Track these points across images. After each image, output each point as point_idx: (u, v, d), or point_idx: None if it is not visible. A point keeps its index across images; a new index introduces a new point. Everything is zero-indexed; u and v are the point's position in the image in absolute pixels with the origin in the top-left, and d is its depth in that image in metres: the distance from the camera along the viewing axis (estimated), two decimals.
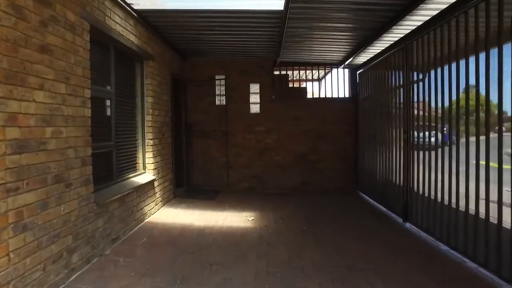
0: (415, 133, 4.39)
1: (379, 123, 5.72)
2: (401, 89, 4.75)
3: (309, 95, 7.04)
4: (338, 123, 6.91)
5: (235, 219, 4.80)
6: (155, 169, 4.96)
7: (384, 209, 5.32)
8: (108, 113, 3.80)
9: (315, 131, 6.92)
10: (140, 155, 4.77)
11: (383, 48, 5.54)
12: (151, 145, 4.85)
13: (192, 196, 6.23)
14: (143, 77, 4.78)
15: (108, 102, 3.79)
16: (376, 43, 5.29)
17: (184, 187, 6.92)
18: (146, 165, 4.84)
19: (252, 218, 4.83)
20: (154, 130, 4.95)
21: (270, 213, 5.11)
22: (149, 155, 4.84)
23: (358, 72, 6.86)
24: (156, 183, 4.99)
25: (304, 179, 6.93)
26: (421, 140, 4.29)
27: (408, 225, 4.43)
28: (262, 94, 6.95)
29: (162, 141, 5.31)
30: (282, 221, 4.68)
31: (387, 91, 5.31)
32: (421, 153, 4.20)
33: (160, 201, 5.22)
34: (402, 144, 4.65)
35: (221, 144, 6.89)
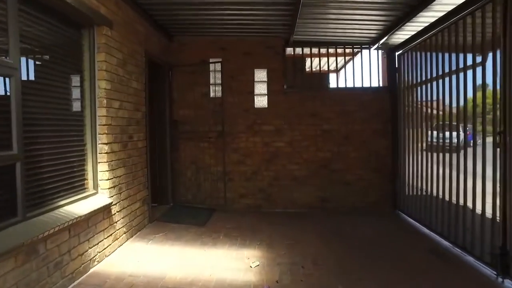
0: None
1: (438, 119, 4.06)
2: (482, 70, 3.11)
3: (332, 85, 5.43)
4: (369, 120, 5.28)
5: (231, 264, 3.18)
6: (113, 187, 3.38)
7: (446, 243, 3.67)
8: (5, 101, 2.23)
9: (339, 131, 5.30)
10: (88, 167, 3.20)
11: (438, 17, 3.89)
12: (107, 153, 3.27)
13: (176, 219, 4.64)
14: (92, 51, 3.21)
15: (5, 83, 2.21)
16: (425, 12, 3.68)
17: (168, 204, 5.34)
18: (99, 182, 3.27)
19: (257, 263, 3.21)
20: (112, 131, 3.37)
21: (283, 251, 3.49)
22: (103, 167, 3.26)
23: (397, 54, 5.21)
24: (115, 208, 3.41)
25: (325, 194, 5.31)
26: None
27: (508, 283, 2.78)
28: (270, 83, 5.35)
29: (128, 146, 3.73)
30: (303, 272, 3.06)
31: (456, 73, 3.64)
32: None
33: (124, 233, 3.64)
34: (493, 151, 2.99)
35: (217, 148, 5.30)
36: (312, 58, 5.41)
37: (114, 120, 3.41)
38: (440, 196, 3.90)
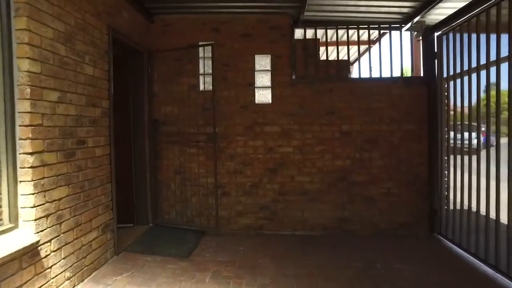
0: None
1: (489, 118, 2.95)
2: None
3: (354, 75, 4.33)
4: (399, 120, 4.17)
5: None
6: (44, 217, 2.30)
7: None
8: None
9: (362, 134, 4.20)
10: (1, 190, 2.15)
11: None
12: (34, 167, 2.19)
13: (152, 248, 3.56)
14: (5, 14, 2.15)
15: None
16: None
17: (147, 224, 4.27)
18: (20, 211, 2.21)
19: None
20: (44, 134, 2.29)
21: None
22: (26, 188, 2.18)
23: (436, 35, 4.10)
24: (48, 248, 2.34)
25: (343, 214, 4.22)
26: None
27: None
28: (275, 72, 4.26)
29: (76, 155, 2.65)
30: None
31: None
32: None
33: (68, 279, 2.54)
34: None
35: (207, 155, 4.23)
36: (328, 42, 4.34)
37: (48, 118, 2.33)
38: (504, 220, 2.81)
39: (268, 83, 4.26)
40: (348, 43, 4.27)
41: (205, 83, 4.28)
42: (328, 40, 4.33)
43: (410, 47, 4.32)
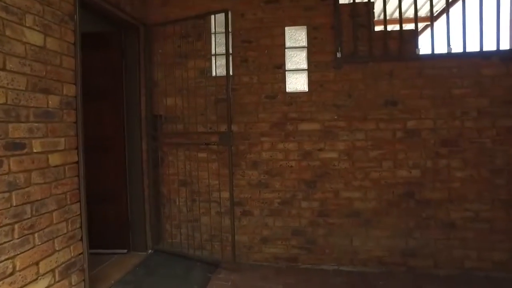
0: None
1: None
2: None
3: (424, 50, 3.10)
4: (494, 112, 2.89)
5: None
6: None
7: None
8: None
9: (436, 131, 2.98)
10: None
11: None
12: None
13: None
14: None
15: None
16: None
17: (146, 250, 3.31)
18: None
19: None
20: None
21: None
22: None
23: None
24: None
25: (410, 243, 3.01)
26: None
27: None
28: (313, 50, 3.14)
29: (2, 165, 1.72)
30: None
31: None
32: None
33: None
34: None
35: (222, 161, 3.20)
36: (386, 4, 3.14)
37: None
38: None
39: (304, 65, 3.14)
40: (415, 3, 3.05)
41: (219, 67, 3.23)
42: (386, 3, 3.14)
43: (510, 8, 3.03)
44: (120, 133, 3.20)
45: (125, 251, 3.28)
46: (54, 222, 2.03)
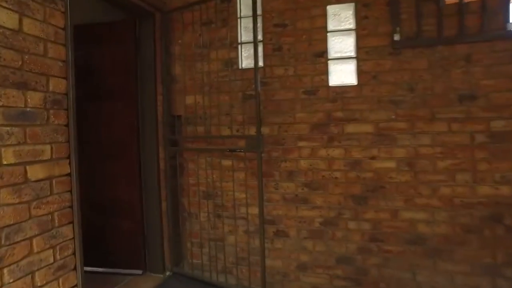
0: None
1: None
2: None
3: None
4: None
5: None
6: None
7: None
8: None
9: None
10: None
11: None
12: None
13: None
14: None
15: None
16: None
17: (163, 273, 2.86)
18: None
19: None
20: None
21: None
22: None
23: None
24: None
25: (500, 284, 2.30)
26: None
27: None
28: (363, 32, 2.48)
29: None
30: None
31: None
32: None
33: None
34: None
35: (250, 170, 2.66)
36: None
37: None
38: None
39: (351, 51, 2.52)
40: None
41: (247, 57, 2.70)
42: None
43: None
44: (134, 137, 2.78)
45: (140, 272, 2.85)
46: (35, 251, 1.60)
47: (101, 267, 2.87)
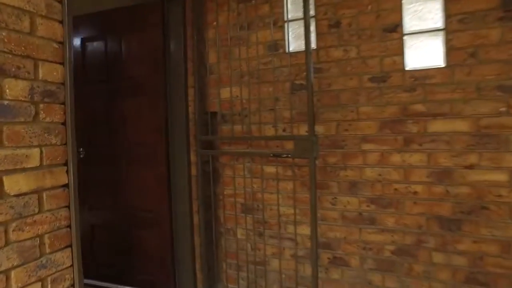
0: None
1: None
2: None
3: None
4: None
5: None
6: None
7: None
8: None
9: None
10: None
11: None
12: None
13: None
14: None
15: None
16: None
17: None
18: None
19: None
20: None
21: None
22: None
23: None
24: None
25: None
26: None
27: None
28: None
29: None
30: None
31: None
32: None
33: None
34: None
35: (300, 179, 2.11)
36: None
37: None
38: None
39: (437, 21, 1.86)
40: None
41: (296, 38, 2.15)
42: None
43: None
44: (161, 138, 2.37)
45: None
46: (14, 286, 1.22)
47: (123, 285, 2.52)
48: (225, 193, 2.41)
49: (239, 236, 2.36)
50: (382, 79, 1.94)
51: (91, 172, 2.64)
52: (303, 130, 2.09)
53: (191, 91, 2.37)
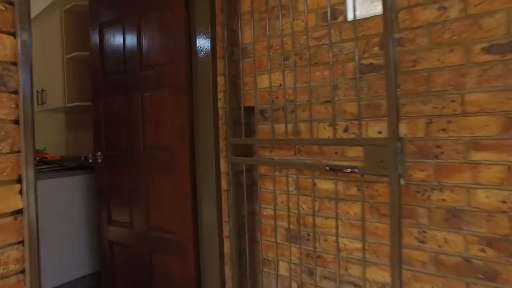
0: None
1: None
2: None
3: None
4: None
5: None
6: None
7: None
8: None
9: None
10: None
11: None
12: None
13: None
14: None
15: None
16: None
17: None
18: None
19: None
20: None
21: None
22: None
23: None
24: None
25: None
26: None
27: None
28: None
29: None
30: None
31: None
32: None
33: None
34: None
35: (371, 200, 1.49)
36: None
37: None
38: None
39: None
40: None
41: (363, 0, 1.51)
42: None
43: None
44: (184, 141, 1.87)
45: None
46: None
47: None
48: (264, 213, 1.84)
49: (281, 271, 1.78)
50: (503, 48, 1.23)
51: (109, 180, 2.25)
52: (373, 130, 1.45)
53: (221, 80, 1.84)
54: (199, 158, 1.88)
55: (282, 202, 1.74)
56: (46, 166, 2.56)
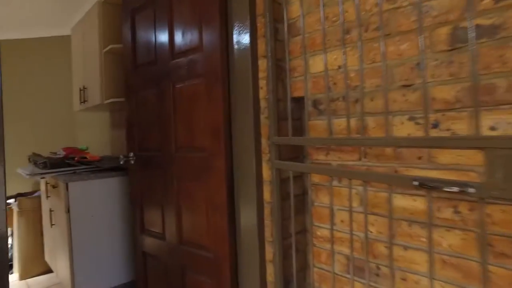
0: None
1: None
2: None
3: None
4: None
5: None
6: None
7: None
8: None
9: None
10: None
11: None
12: None
13: None
14: None
15: None
16: None
17: None
18: None
19: None
20: None
21: None
22: None
23: None
24: None
25: None
26: None
27: None
28: None
29: None
30: None
31: None
32: None
33: None
34: None
35: (471, 228, 1.01)
36: None
37: None
38: None
39: None
40: None
41: None
42: None
43: None
44: (219, 141, 1.55)
45: None
46: None
47: None
48: (317, 233, 1.44)
49: None
50: None
51: (141, 184, 2.03)
52: (482, 125, 0.98)
53: (262, 64, 1.48)
54: (237, 162, 1.55)
55: (342, 221, 1.33)
56: (83, 166, 2.43)
